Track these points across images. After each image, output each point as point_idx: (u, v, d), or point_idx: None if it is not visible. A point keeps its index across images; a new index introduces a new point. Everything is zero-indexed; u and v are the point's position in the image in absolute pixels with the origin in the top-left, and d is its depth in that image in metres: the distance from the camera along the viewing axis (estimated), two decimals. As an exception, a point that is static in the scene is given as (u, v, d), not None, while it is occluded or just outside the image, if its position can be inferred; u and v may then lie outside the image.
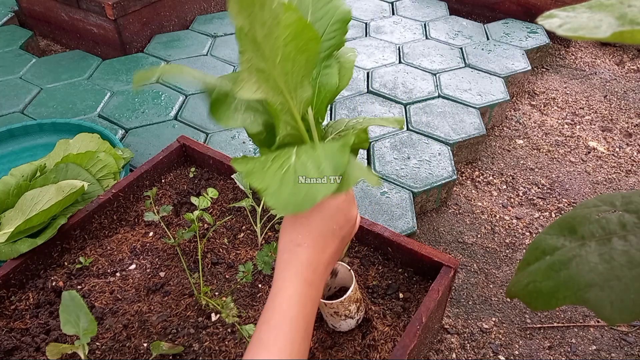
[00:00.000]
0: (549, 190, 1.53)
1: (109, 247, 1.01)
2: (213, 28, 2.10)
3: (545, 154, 1.67)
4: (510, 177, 1.58)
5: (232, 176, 1.10)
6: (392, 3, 2.31)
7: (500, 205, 1.48)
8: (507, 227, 1.41)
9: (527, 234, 1.40)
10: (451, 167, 1.41)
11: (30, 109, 1.63)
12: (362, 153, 1.44)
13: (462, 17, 2.19)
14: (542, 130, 1.77)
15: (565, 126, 1.78)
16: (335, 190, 0.44)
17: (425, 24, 2.13)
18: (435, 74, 1.80)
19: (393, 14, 2.23)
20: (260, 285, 0.94)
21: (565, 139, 1.73)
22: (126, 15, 1.87)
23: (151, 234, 1.05)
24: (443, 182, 1.37)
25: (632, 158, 1.65)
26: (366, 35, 2.06)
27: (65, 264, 0.98)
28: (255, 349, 0.52)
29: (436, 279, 0.88)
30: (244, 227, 1.06)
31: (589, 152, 1.67)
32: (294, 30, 0.41)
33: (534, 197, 1.51)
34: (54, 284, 0.94)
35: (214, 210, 1.09)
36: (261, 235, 1.03)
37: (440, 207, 1.46)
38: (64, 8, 1.98)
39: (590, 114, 1.84)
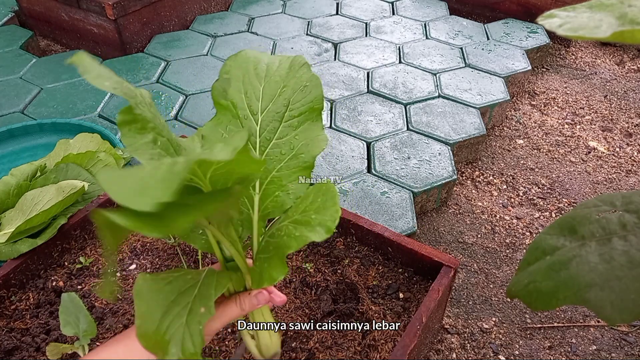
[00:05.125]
0: (549, 190, 1.53)
1: (109, 247, 1.01)
2: (213, 28, 2.10)
3: (546, 154, 1.67)
4: (511, 177, 1.58)
5: None
6: (392, 3, 2.31)
7: (501, 205, 1.48)
8: (507, 227, 1.41)
9: (527, 234, 1.40)
10: (451, 167, 1.41)
11: (31, 109, 1.63)
12: (363, 154, 1.45)
13: (462, 17, 2.19)
14: (542, 130, 1.76)
15: (566, 126, 1.78)
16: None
17: (425, 24, 2.13)
18: (435, 74, 1.80)
19: (393, 13, 2.23)
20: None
21: (566, 139, 1.73)
22: (126, 15, 1.87)
23: (151, 234, 1.05)
24: (443, 182, 1.37)
25: (632, 158, 1.65)
26: (366, 35, 2.06)
27: (66, 264, 0.98)
28: None
29: (436, 278, 0.88)
30: (244, 227, 1.06)
31: (589, 152, 1.67)
32: None
33: (534, 197, 1.51)
34: (54, 284, 0.94)
35: (214, 210, 1.09)
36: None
37: (441, 207, 1.46)
38: (64, 8, 1.98)
39: (590, 113, 1.84)
